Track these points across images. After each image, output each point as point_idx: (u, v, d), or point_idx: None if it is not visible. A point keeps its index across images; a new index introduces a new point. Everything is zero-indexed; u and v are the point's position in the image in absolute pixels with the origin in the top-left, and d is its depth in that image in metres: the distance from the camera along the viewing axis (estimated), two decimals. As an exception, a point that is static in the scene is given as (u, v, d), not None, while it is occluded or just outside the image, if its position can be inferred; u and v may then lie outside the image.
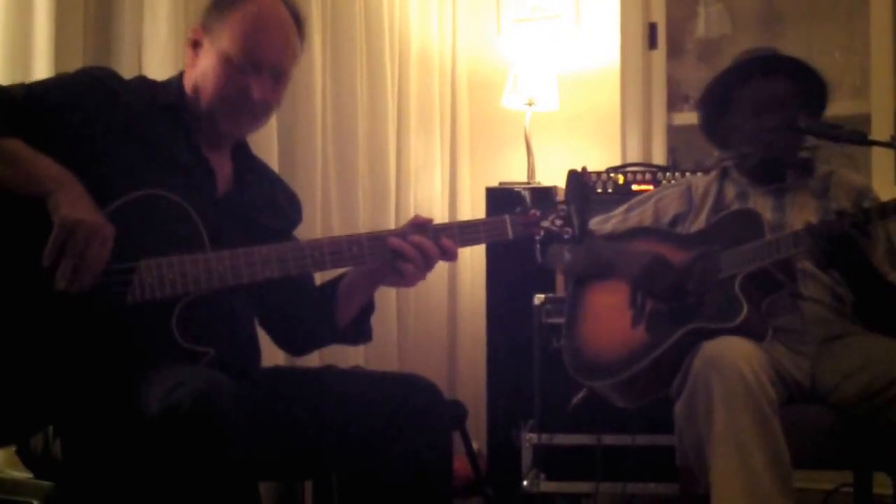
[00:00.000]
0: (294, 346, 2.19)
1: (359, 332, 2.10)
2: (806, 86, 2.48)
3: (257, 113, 1.95)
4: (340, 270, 2.04)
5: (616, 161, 3.83)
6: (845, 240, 2.13)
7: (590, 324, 2.49)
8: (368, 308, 2.09)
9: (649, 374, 2.28)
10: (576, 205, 2.04)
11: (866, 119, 3.70)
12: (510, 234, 2.00)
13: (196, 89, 1.92)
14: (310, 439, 1.91)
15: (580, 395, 2.57)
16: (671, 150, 3.99)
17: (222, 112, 1.90)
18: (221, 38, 1.89)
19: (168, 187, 1.78)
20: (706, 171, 2.70)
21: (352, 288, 2.04)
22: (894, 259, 2.38)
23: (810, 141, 2.47)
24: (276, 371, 2.12)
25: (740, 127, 2.50)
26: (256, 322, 2.10)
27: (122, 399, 1.65)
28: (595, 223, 2.64)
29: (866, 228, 2.14)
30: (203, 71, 1.91)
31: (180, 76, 1.98)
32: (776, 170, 2.50)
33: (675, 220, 2.58)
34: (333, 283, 2.07)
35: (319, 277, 2.12)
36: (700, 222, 2.51)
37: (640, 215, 2.63)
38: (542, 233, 2.03)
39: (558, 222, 2.03)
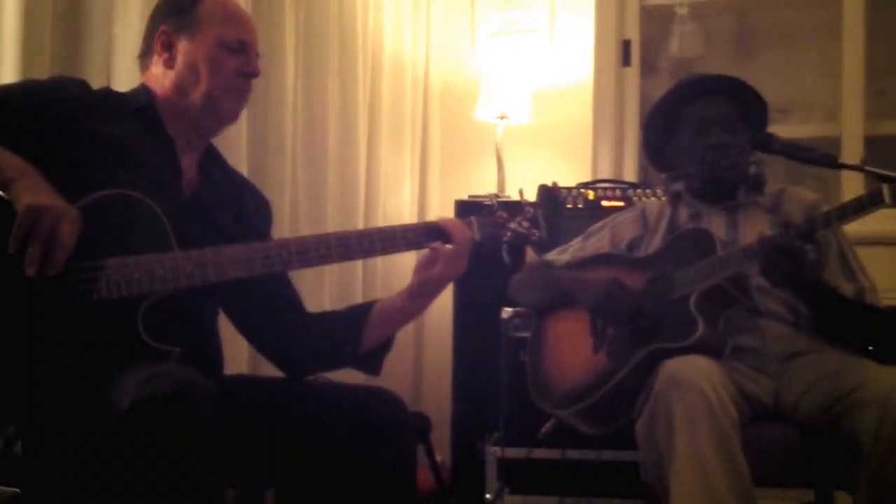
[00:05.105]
0: (295, 367, 2.11)
1: (375, 361, 2.11)
2: (746, 105, 2.52)
3: (249, 90, 2.04)
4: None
5: (587, 177, 3.83)
6: (793, 251, 2.15)
7: (552, 353, 2.52)
8: (389, 343, 2.12)
9: (613, 399, 2.30)
10: (546, 217, 2.05)
11: (837, 142, 3.74)
12: (477, 235, 2.03)
13: (181, 87, 1.96)
14: (270, 449, 1.89)
15: (548, 425, 2.57)
16: (643, 168, 4.01)
17: (224, 98, 1.97)
18: (206, 29, 1.96)
19: (134, 188, 1.79)
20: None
21: (390, 313, 2.07)
22: (847, 270, 2.40)
23: (756, 156, 2.50)
24: (239, 378, 2.10)
25: (684, 148, 2.54)
26: (256, 348, 2.13)
27: (89, 396, 1.64)
28: (553, 254, 2.66)
29: (814, 238, 2.17)
30: (190, 66, 1.96)
31: (143, 85, 2.01)
32: (723, 188, 2.52)
33: (632, 245, 2.60)
34: (367, 306, 2.09)
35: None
36: (655, 245, 2.54)
37: (597, 242, 2.65)
38: (509, 234, 2.04)
39: (525, 224, 2.05)
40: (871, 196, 2.09)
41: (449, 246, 1.98)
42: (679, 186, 2.62)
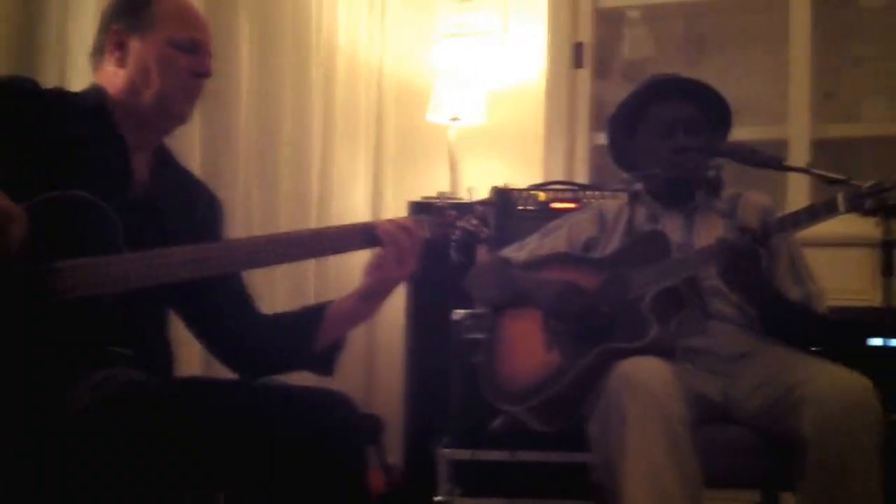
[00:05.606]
0: (247, 369, 2.11)
1: (328, 363, 2.11)
2: (710, 109, 2.55)
3: (201, 90, 2.02)
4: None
5: (539, 177, 3.85)
6: (748, 255, 2.18)
7: (506, 350, 2.52)
8: (341, 344, 2.12)
9: (565, 397, 2.31)
10: (496, 216, 2.07)
11: (784, 145, 3.79)
12: (427, 233, 2.04)
13: (133, 87, 1.94)
14: (221, 451, 1.88)
15: (498, 420, 2.58)
16: (594, 170, 4.03)
17: (176, 97, 1.96)
18: (159, 28, 1.95)
19: (84, 188, 1.76)
20: (620, 191, 2.74)
21: (342, 315, 2.07)
22: (796, 274, 2.44)
23: (716, 161, 2.53)
24: (189, 380, 2.09)
25: (648, 149, 2.56)
26: (207, 349, 2.11)
27: (40, 398, 1.62)
28: (510, 251, 2.67)
29: (767, 242, 2.21)
30: (142, 66, 1.94)
31: (95, 84, 1.99)
32: (684, 190, 2.55)
33: (589, 245, 2.61)
34: (319, 307, 2.09)
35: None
36: (612, 245, 2.55)
37: (554, 241, 2.65)
38: (459, 232, 2.06)
39: (474, 222, 2.08)
40: (826, 204, 2.12)
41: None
42: (638, 187, 2.64)
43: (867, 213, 2.07)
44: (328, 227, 2.06)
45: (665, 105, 2.53)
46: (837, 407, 2.02)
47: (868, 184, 2.07)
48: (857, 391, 2.05)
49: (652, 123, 2.55)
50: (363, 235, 2.00)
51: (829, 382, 2.08)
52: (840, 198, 2.09)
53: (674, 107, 2.52)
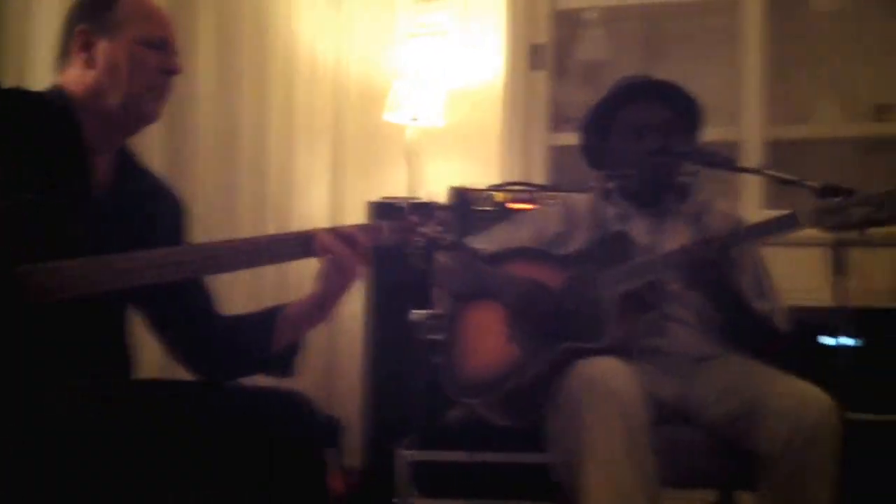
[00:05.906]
0: (207, 372, 2.09)
1: (286, 365, 2.09)
2: (683, 110, 2.56)
3: (170, 88, 2.00)
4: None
5: (497, 178, 3.86)
6: (710, 264, 2.20)
7: (467, 341, 2.51)
8: (297, 346, 2.10)
9: (524, 393, 2.31)
10: (454, 218, 2.07)
11: (737, 145, 3.84)
12: (387, 239, 2.04)
13: (101, 88, 1.92)
14: (178, 455, 1.87)
15: (456, 412, 2.58)
16: (551, 170, 4.05)
17: (146, 97, 1.94)
18: (126, 28, 1.93)
19: (42, 192, 1.74)
20: (587, 191, 2.75)
21: (297, 319, 2.05)
22: (760, 288, 2.46)
23: (689, 167, 2.54)
24: (146, 382, 2.07)
25: (621, 150, 2.56)
26: (167, 352, 2.09)
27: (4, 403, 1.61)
28: (477, 242, 2.66)
29: (731, 252, 2.22)
30: (111, 65, 1.92)
31: (57, 85, 1.96)
32: (655, 192, 2.56)
33: (556, 240, 2.61)
34: (275, 310, 2.07)
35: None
36: (578, 243, 2.55)
37: (523, 235, 2.65)
38: (421, 239, 2.06)
39: (437, 229, 2.07)
40: (791, 217, 2.14)
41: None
42: (610, 185, 2.64)
43: (829, 229, 2.07)
44: (265, 236, 2.04)
45: (636, 107, 2.54)
46: (801, 425, 2.06)
47: (834, 200, 2.06)
48: (821, 411, 2.08)
49: (623, 126, 2.55)
50: (300, 246, 1.97)
51: (794, 400, 2.10)
52: (806, 213, 2.10)
53: (645, 109, 2.53)
